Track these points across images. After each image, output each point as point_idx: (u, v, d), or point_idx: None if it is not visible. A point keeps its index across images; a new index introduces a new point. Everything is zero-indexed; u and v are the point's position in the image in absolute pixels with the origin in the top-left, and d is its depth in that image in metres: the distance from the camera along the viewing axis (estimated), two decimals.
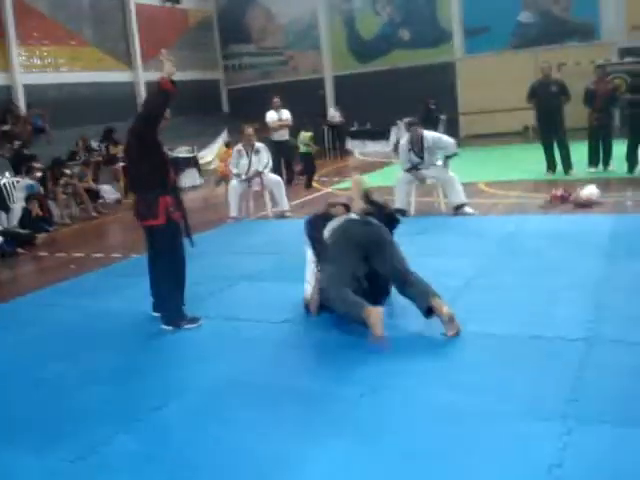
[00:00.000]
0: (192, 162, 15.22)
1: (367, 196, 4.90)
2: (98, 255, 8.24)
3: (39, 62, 17.78)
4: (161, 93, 4.67)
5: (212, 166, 17.24)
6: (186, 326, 4.95)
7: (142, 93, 20.83)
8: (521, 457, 2.90)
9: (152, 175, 4.85)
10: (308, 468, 2.95)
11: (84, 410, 3.76)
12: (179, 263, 5.04)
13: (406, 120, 10.14)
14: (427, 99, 17.82)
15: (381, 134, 19.68)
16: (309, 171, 13.41)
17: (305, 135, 13.66)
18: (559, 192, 8.81)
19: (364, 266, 4.68)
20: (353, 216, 4.76)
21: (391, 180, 9.51)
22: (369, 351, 4.24)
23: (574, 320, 4.44)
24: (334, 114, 20.32)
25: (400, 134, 17.37)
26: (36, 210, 10.26)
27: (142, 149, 4.84)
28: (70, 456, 3.22)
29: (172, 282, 5.01)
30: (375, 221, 4.74)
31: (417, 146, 8.80)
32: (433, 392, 3.59)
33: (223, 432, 3.35)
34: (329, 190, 11.96)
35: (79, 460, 3.18)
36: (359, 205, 4.71)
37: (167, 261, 4.99)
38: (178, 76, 4.78)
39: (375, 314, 4.17)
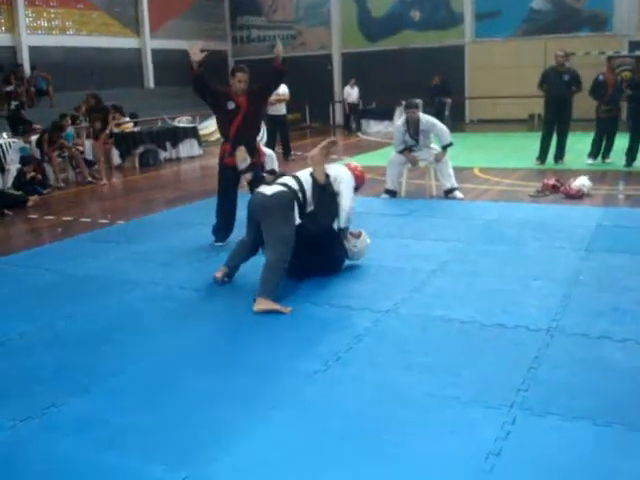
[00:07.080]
0: (192, 132, 15.17)
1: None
2: (86, 220, 8.25)
3: (45, 24, 17.73)
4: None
5: (214, 137, 17.18)
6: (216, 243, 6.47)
7: (149, 61, 20.71)
8: (461, 443, 2.90)
9: (220, 127, 6.49)
10: (244, 441, 2.96)
11: (41, 371, 3.78)
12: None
13: (405, 102, 10.04)
14: (435, 77, 17.81)
15: (385, 114, 19.54)
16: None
17: None
18: (551, 181, 8.77)
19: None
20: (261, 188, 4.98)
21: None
22: (328, 327, 4.28)
23: (540, 311, 4.42)
24: (350, 92, 19.59)
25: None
26: (30, 173, 10.27)
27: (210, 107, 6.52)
28: (19, 415, 3.25)
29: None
30: (268, 191, 4.84)
31: (413, 128, 8.74)
32: (386, 373, 3.60)
33: (171, 400, 3.37)
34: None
35: (27, 420, 3.21)
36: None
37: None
38: (184, 45, 5.26)
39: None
